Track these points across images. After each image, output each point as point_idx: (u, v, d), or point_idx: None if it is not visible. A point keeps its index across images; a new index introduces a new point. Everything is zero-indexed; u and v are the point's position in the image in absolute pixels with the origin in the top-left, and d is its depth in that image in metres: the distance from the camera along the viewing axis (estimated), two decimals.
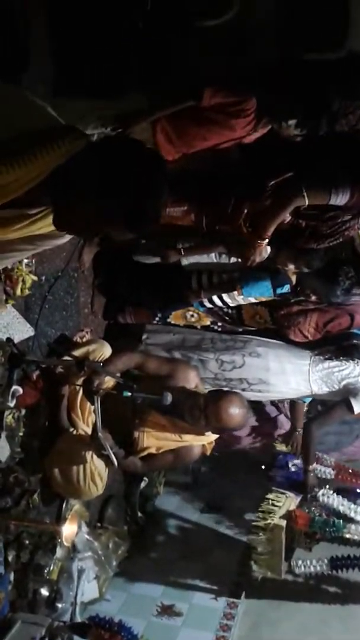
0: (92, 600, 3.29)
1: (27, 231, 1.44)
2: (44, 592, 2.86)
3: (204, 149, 2.58)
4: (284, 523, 3.41)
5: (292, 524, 3.43)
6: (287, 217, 2.83)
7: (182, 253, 3.19)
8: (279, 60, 2.76)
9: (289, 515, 3.45)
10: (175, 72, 2.91)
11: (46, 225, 1.42)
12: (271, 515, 3.41)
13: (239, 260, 3.13)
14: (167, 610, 3.45)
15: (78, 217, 1.32)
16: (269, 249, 3.03)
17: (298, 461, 3.71)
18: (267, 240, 2.89)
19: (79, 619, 3.02)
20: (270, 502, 3.49)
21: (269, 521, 3.42)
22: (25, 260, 2.68)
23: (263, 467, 4.08)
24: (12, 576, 2.65)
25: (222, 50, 2.96)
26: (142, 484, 4.07)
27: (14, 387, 2.55)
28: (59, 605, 2.93)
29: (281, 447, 3.87)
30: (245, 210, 2.93)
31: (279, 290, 3.30)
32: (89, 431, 2.84)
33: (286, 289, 3.30)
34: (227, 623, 3.41)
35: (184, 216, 3.08)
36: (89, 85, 2.87)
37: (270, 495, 3.55)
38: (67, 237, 1.56)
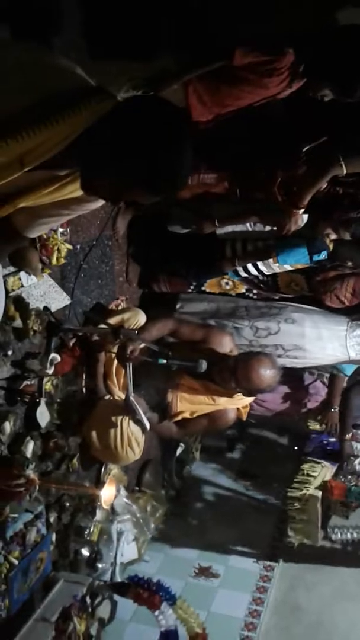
0: (131, 561, 3.37)
1: (59, 195, 1.43)
2: (85, 552, 2.96)
3: (237, 111, 2.51)
4: (319, 494, 3.41)
5: (327, 494, 3.43)
6: (323, 184, 2.76)
7: (217, 224, 3.15)
8: (315, 23, 2.65)
9: (324, 486, 3.45)
10: (209, 32, 2.82)
11: (77, 188, 1.42)
12: (306, 485, 3.41)
13: (274, 228, 3.08)
14: (204, 572, 3.53)
15: (101, 181, 1.31)
16: (305, 217, 2.97)
17: (332, 439, 3.69)
18: (303, 209, 2.83)
19: (118, 578, 3.12)
20: (306, 472, 3.50)
21: (304, 492, 3.43)
22: (60, 229, 2.69)
23: (296, 447, 4.07)
24: (53, 537, 2.74)
25: (257, 11, 2.85)
26: (179, 450, 4.13)
27: (52, 354, 2.59)
28: (100, 565, 3.03)
29: (315, 427, 3.84)
30: (279, 178, 2.87)
31: (315, 258, 3.23)
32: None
33: (323, 255, 3.22)
34: (263, 585, 3.47)
35: (217, 183, 3.04)
36: (121, 47, 2.81)
37: (305, 466, 3.56)
38: (101, 201, 1.54)
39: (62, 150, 1.27)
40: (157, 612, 2.51)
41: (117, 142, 1.24)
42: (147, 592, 2.56)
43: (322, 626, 3.21)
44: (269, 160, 2.90)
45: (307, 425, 3.93)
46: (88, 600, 2.66)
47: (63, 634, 2.41)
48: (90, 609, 2.67)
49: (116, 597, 2.82)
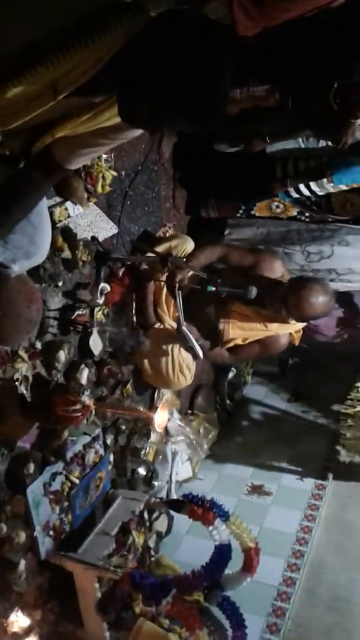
0: (186, 479, 3.53)
1: (96, 123, 1.38)
2: (142, 471, 3.11)
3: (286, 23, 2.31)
4: None
5: None
6: None
7: (268, 141, 2.99)
8: None
9: None
10: None
11: (113, 115, 1.35)
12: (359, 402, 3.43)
13: (329, 143, 2.89)
14: (257, 490, 3.65)
15: (139, 107, 1.24)
16: None
17: None
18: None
19: (174, 496, 3.28)
20: (359, 390, 3.50)
21: (357, 408, 3.45)
22: (104, 156, 2.63)
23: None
24: (111, 457, 2.88)
25: None
26: (230, 374, 4.18)
27: (102, 284, 2.61)
28: (156, 483, 3.18)
29: None
30: (335, 85, 2.66)
31: None
32: (175, 325, 2.89)
33: None
34: (315, 503, 3.56)
35: (267, 96, 2.85)
36: None
37: (359, 384, 3.55)
38: (140, 130, 1.48)
39: (96, 75, 1.20)
40: (211, 528, 2.62)
41: (152, 64, 1.16)
42: (201, 509, 2.67)
43: None
44: (323, 66, 2.68)
45: None
46: (146, 515, 2.81)
47: (123, 546, 2.57)
48: (148, 524, 2.83)
49: (172, 513, 2.97)
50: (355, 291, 3.64)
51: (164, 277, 2.68)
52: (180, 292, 2.49)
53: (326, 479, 3.67)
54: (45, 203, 2.13)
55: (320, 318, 2.84)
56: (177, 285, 2.48)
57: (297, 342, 2.99)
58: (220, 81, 1.18)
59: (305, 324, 2.92)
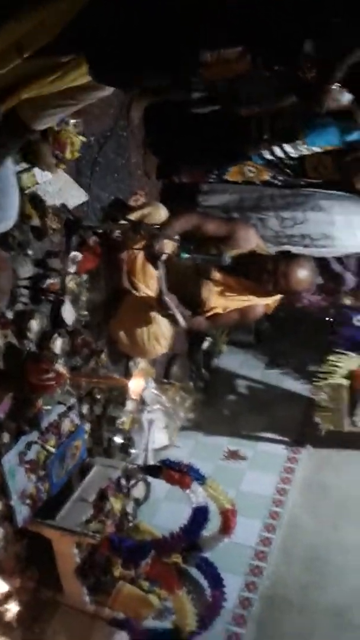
0: (164, 447, 3.55)
1: (62, 83, 1.35)
2: (118, 439, 3.12)
3: None
4: (346, 382, 3.49)
5: (354, 382, 3.49)
6: None
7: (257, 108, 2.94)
8: None
9: (351, 375, 3.51)
10: None
11: (80, 75, 1.32)
12: (332, 375, 3.48)
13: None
14: (233, 455, 3.70)
15: (111, 65, 1.20)
16: (347, 95, 2.72)
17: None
18: (335, 82, 2.59)
19: (151, 463, 3.30)
20: (332, 363, 3.56)
21: (329, 381, 3.50)
22: (72, 121, 2.57)
23: (329, 320, 4.05)
24: (87, 426, 2.88)
25: None
26: (206, 343, 4.19)
27: (73, 252, 2.58)
28: (133, 451, 3.20)
29: (347, 301, 3.83)
30: (305, 47, 2.61)
31: (347, 138, 3.03)
32: (151, 293, 2.88)
33: (356, 136, 3.02)
34: (291, 466, 3.62)
35: (239, 57, 2.80)
36: None
37: (331, 357, 3.61)
38: (108, 90, 1.45)
39: (61, 33, 1.16)
40: (188, 491, 2.65)
41: (119, 18, 1.12)
42: (178, 473, 2.69)
43: (348, 501, 3.36)
44: (294, 27, 2.63)
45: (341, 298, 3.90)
46: (123, 482, 2.84)
47: (101, 511, 2.60)
48: (125, 490, 2.86)
49: (150, 479, 3.00)
50: (330, 257, 3.66)
51: (137, 246, 2.65)
52: (162, 263, 2.48)
53: (302, 444, 3.73)
54: (12, 168, 2.08)
55: (303, 293, 2.87)
56: (157, 254, 2.46)
57: (271, 311, 3.01)
58: (191, 29, 1.15)
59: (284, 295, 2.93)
